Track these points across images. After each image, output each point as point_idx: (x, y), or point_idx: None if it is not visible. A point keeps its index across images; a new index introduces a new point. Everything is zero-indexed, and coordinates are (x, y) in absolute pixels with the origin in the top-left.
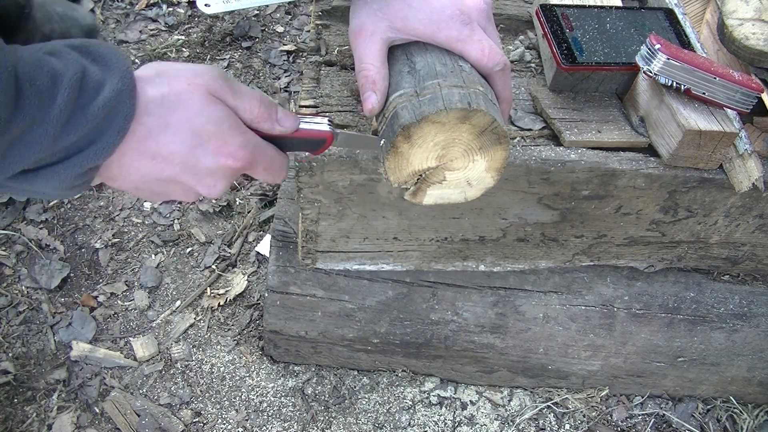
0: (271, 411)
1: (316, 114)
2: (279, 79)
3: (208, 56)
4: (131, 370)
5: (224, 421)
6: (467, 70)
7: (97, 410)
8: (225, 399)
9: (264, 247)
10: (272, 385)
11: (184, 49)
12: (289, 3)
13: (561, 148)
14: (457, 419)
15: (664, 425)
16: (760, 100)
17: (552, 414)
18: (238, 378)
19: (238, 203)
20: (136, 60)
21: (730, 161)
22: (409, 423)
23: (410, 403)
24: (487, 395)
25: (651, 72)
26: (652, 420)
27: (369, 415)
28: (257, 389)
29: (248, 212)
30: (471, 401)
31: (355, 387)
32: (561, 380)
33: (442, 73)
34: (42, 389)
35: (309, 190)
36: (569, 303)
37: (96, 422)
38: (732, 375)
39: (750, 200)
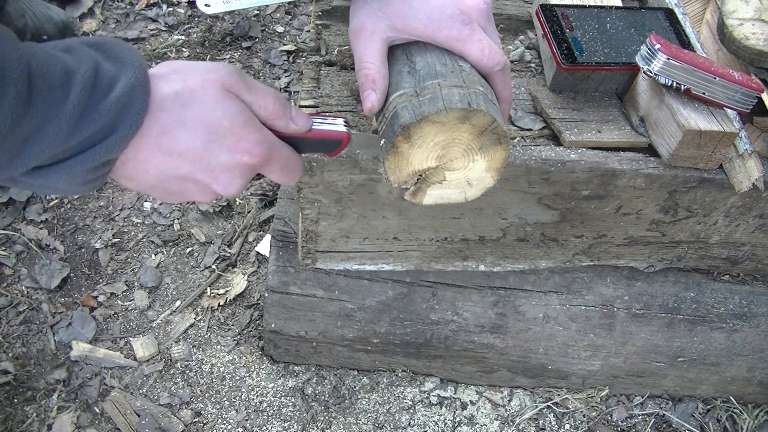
0: (271, 411)
1: (331, 115)
2: (279, 79)
3: (208, 56)
4: (131, 370)
5: (224, 421)
6: (467, 70)
7: (97, 410)
8: (225, 399)
9: (264, 247)
10: (272, 385)
11: (184, 49)
12: (289, 3)
13: (561, 148)
14: (457, 419)
15: (664, 425)
16: (760, 100)
17: (552, 414)
18: (238, 378)
19: (238, 203)
20: None
21: (730, 161)
22: (409, 423)
23: (410, 403)
24: (487, 395)
25: (651, 72)
26: (652, 420)
27: (369, 415)
28: (257, 389)
29: (248, 212)
30: (471, 401)
31: (355, 387)
32: (561, 380)
33: (442, 73)
34: (42, 389)
35: (309, 190)
36: (569, 303)
37: (96, 422)
38: (732, 375)
39: (750, 200)
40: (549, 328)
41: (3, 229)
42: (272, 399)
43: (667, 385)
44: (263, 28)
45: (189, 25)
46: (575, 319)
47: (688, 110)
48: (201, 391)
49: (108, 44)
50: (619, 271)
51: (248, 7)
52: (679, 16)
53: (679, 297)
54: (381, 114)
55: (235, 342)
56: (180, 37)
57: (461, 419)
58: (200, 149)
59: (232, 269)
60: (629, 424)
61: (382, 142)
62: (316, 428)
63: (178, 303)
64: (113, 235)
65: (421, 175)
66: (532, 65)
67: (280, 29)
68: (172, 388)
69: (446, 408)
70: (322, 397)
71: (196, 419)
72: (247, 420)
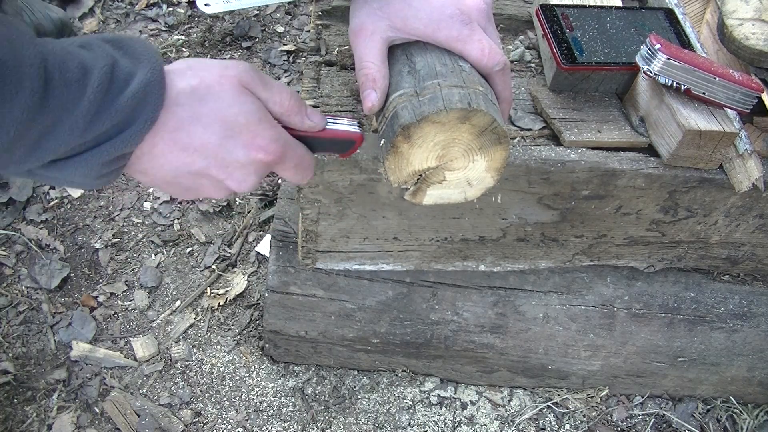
0: (271, 411)
1: (346, 116)
2: (279, 79)
3: (208, 56)
4: (131, 370)
5: (224, 421)
6: (467, 70)
7: (97, 410)
8: (225, 399)
9: (264, 247)
10: (272, 385)
11: (184, 49)
12: (289, 3)
13: (561, 148)
14: (457, 419)
15: (664, 425)
16: (760, 100)
17: (552, 414)
18: (238, 378)
19: (238, 203)
20: None
21: (730, 161)
22: (409, 423)
23: (410, 403)
24: (487, 395)
25: (651, 72)
26: (652, 420)
27: (369, 415)
28: (257, 389)
29: (248, 212)
30: (471, 401)
31: (355, 387)
32: (561, 380)
33: (442, 73)
34: (42, 389)
35: (309, 190)
36: (569, 303)
37: (96, 422)
38: (732, 375)
39: (750, 200)
40: (549, 328)
41: (3, 229)
42: (272, 399)
43: (667, 385)
44: (263, 28)
45: (189, 25)
46: (575, 319)
47: (688, 110)
48: (201, 391)
49: (125, 40)
50: (619, 271)
51: (248, 7)
52: (679, 16)
53: (679, 297)
54: (381, 114)
55: (235, 342)
56: (180, 37)
57: (461, 419)
58: (215, 145)
59: (232, 269)
60: (629, 424)
61: (382, 142)
62: (316, 428)
63: (178, 303)
64: (113, 235)
65: (421, 175)
66: (532, 65)
67: (280, 29)
68: (172, 388)
69: (446, 408)
70: (322, 397)
71: (196, 419)
72: (247, 420)
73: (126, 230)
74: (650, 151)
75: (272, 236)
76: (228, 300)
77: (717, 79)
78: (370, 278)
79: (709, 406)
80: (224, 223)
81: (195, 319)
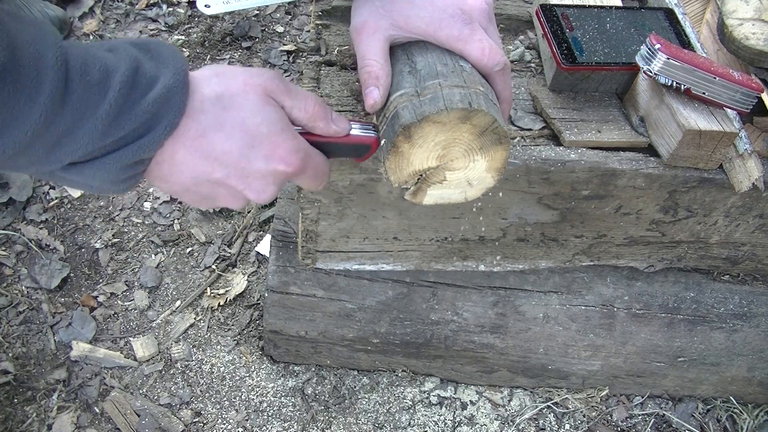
0: (271, 411)
1: (360, 120)
2: None
3: (208, 56)
4: (131, 370)
5: (224, 421)
6: (468, 70)
7: (97, 410)
8: (225, 399)
9: (264, 247)
10: (272, 385)
11: (184, 49)
12: (289, 3)
13: (561, 148)
14: (457, 419)
15: (664, 425)
16: (760, 100)
17: (552, 414)
18: (238, 378)
19: None
20: None
21: (730, 161)
22: (409, 423)
23: (410, 403)
24: (487, 395)
25: (651, 72)
26: (652, 420)
27: (369, 415)
28: (257, 389)
29: (248, 212)
30: (471, 401)
31: (355, 387)
32: (561, 380)
33: (443, 73)
34: (42, 389)
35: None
36: (569, 303)
37: (96, 422)
38: (732, 375)
39: (750, 200)
40: (549, 328)
41: (3, 229)
42: (272, 399)
43: (667, 385)
44: (263, 28)
45: (189, 25)
46: (575, 319)
47: (688, 110)
48: (201, 391)
49: (152, 44)
50: (619, 271)
51: (248, 7)
52: (679, 16)
53: (679, 297)
54: (382, 114)
55: (235, 342)
56: (180, 37)
57: (461, 419)
58: (236, 154)
59: (232, 269)
60: (629, 424)
61: (382, 141)
62: (316, 428)
63: (178, 303)
64: (113, 235)
65: (421, 175)
66: (532, 65)
67: (280, 29)
68: (172, 388)
69: (446, 408)
70: (322, 397)
71: (196, 419)
72: (247, 420)
73: (126, 230)
74: (650, 151)
75: (272, 236)
76: (228, 300)
77: (717, 79)
78: (370, 278)
79: (709, 406)
80: (224, 223)
81: (195, 319)
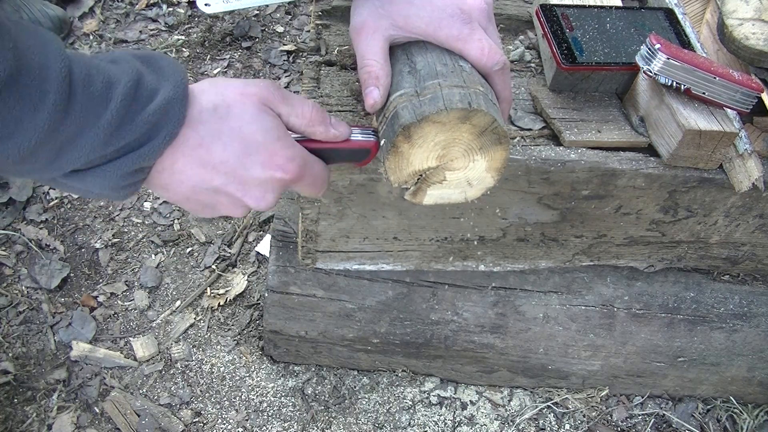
0: (271, 411)
1: (359, 125)
2: (279, 79)
3: (208, 56)
4: (131, 370)
5: (224, 421)
6: (468, 70)
7: (97, 410)
8: (225, 399)
9: (264, 247)
10: (272, 385)
11: (184, 49)
12: (289, 3)
13: (561, 148)
14: (457, 419)
15: (664, 425)
16: (760, 100)
17: (552, 414)
18: (238, 378)
19: None
20: None
21: (730, 161)
22: (409, 423)
23: (410, 403)
24: (487, 395)
25: (651, 72)
26: (652, 420)
27: (369, 415)
28: (257, 389)
29: (249, 212)
30: (471, 401)
31: (355, 387)
32: (561, 380)
33: (443, 73)
34: (42, 389)
35: None
36: (569, 303)
37: (96, 422)
38: (732, 375)
39: (750, 200)
40: (549, 328)
41: (3, 229)
42: (272, 399)
43: (667, 385)
44: (263, 28)
45: (189, 25)
46: (575, 319)
47: (688, 110)
48: (201, 391)
49: (154, 57)
50: (619, 271)
51: (248, 6)
52: (679, 16)
53: (679, 297)
54: (381, 114)
55: (235, 342)
56: (180, 37)
57: (461, 419)
58: (234, 162)
59: (232, 269)
60: (629, 424)
61: (382, 142)
62: (316, 428)
63: (178, 303)
64: (113, 235)
65: (421, 175)
66: (532, 65)
67: (280, 29)
68: (172, 388)
69: (446, 408)
70: (322, 397)
71: (196, 419)
72: (247, 420)
73: (126, 230)
74: (650, 151)
75: (272, 236)
76: (228, 300)
77: (717, 79)
78: (370, 278)
79: (709, 406)
80: (224, 223)
81: (195, 319)
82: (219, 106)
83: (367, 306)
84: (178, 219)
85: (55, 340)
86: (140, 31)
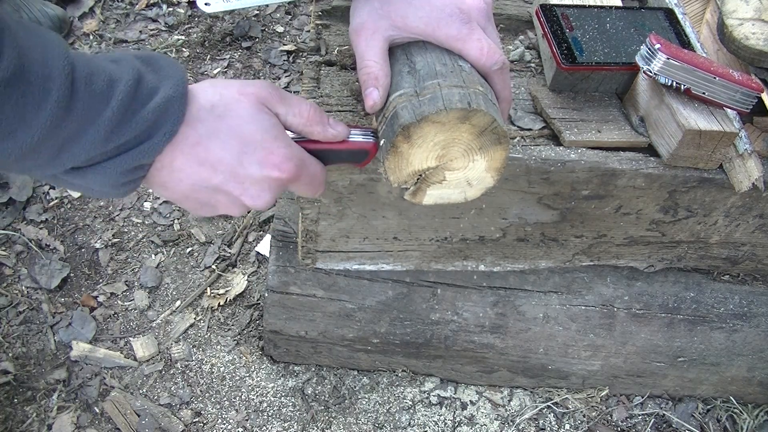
0: (271, 411)
1: (359, 126)
2: (279, 79)
3: (208, 56)
4: (131, 370)
5: (224, 421)
6: (467, 70)
7: (97, 410)
8: (225, 399)
9: (264, 247)
10: (272, 385)
11: (184, 49)
12: (289, 3)
13: (561, 148)
14: (457, 419)
15: (664, 425)
16: (760, 100)
17: (552, 414)
18: (238, 378)
19: None
20: None
21: (730, 161)
22: (409, 423)
23: (410, 403)
24: (487, 395)
25: (651, 72)
26: (652, 420)
27: (369, 415)
28: (257, 389)
29: (248, 212)
30: (471, 401)
31: (355, 387)
32: (561, 380)
33: (442, 73)
34: (42, 389)
35: None
36: (569, 303)
37: (96, 422)
38: (732, 375)
39: (750, 200)
40: (549, 328)
41: (3, 229)
42: (272, 399)
43: (667, 385)
44: (263, 28)
45: (189, 25)
46: (575, 319)
47: (688, 110)
48: (201, 391)
49: (154, 58)
50: (619, 271)
51: (248, 6)
52: (679, 16)
53: (679, 297)
54: (381, 114)
55: (235, 342)
56: (180, 37)
57: (461, 419)
58: (231, 160)
59: (232, 269)
60: (629, 424)
61: (382, 142)
62: (316, 428)
63: (178, 303)
64: (113, 235)
65: (421, 175)
66: (532, 65)
67: (280, 29)
68: (172, 388)
69: (446, 408)
70: (322, 397)
71: (196, 419)
72: (247, 420)
73: (126, 230)
74: (650, 151)
75: (272, 236)
76: (228, 300)
77: (717, 79)
78: (370, 278)
79: (709, 406)
80: (224, 223)
81: (195, 319)
82: (217, 105)
83: (367, 306)
84: (178, 219)
85: (55, 340)
86: (140, 31)
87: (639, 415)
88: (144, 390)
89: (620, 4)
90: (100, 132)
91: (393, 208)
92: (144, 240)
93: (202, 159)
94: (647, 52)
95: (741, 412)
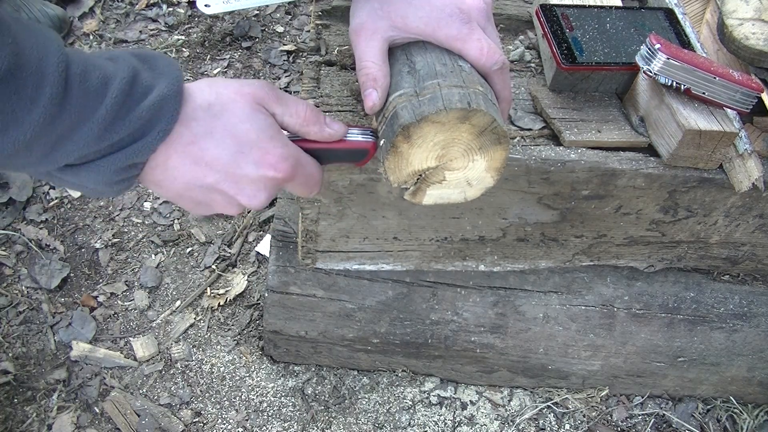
0: (271, 411)
1: (358, 125)
2: (279, 79)
3: (208, 56)
4: (131, 370)
5: (224, 421)
6: (467, 70)
7: (97, 410)
8: (225, 399)
9: (264, 247)
10: (272, 385)
11: (184, 49)
12: (289, 3)
13: (561, 148)
14: (457, 419)
15: (664, 425)
16: (760, 100)
17: (552, 414)
18: (238, 378)
19: None
20: None
21: (730, 161)
22: (409, 423)
23: (410, 403)
24: (487, 395)
25: (651, 72)
26: (652, 420)
27: (369, 415)
28: (257, 389)
29: (248, 212)
30: (471, 401)
31: (355, 387)
32: (561, 380)
33: (442, 73)
34: (42, 389)
35: None
36: (569, 303)
37: (96, 422)
38: (732, 375)
39: (750, 200)
40: (549, 328)
41: (3, 229)
42: (272, 399)
43: (667, 385)
44: (263, 28)
45: (189, 25)
46: (575, 319)
47: (688, 110)
48: (201, 391)
49: (151, 56)
50: (619, 271)
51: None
52: (679, 16)
53: (679, 297)
54: (381, 114)
55: (235, 342)
56: (180, 37)
57: (461, 419)
58: (227, 160)
59: (232, 269)
60: (629, 424)
61: (381, 142)
62: (316, 428)
63: (178, 303)
64: (113, 235)
65: (420, 175)
66: (532, 65)
67: (280, 29)
68: (172, 388)
69: (446, 408)
70: (322, 397)
71: (196, 419)
72: (247, 420)
73: (126, 230)
74: (650, 151)
75: (272, 236)
76: (228, 300)
77: (717, 79)
78: (370, 278)
79: (709, 406)
80: (224, 223)
81: (195, 319)
82: (213, 105)
83: (367, 306)
84: (178, 219)
85: (55, 340)
86: (140, 31)
87: (639, 415)
88: (144, 390)
89: (620, 4)
90: (93, 130)
91: (393, 208)
92: (144, 240)
93: (197, 158)
94: (647, 52)
95: (741, 412)
